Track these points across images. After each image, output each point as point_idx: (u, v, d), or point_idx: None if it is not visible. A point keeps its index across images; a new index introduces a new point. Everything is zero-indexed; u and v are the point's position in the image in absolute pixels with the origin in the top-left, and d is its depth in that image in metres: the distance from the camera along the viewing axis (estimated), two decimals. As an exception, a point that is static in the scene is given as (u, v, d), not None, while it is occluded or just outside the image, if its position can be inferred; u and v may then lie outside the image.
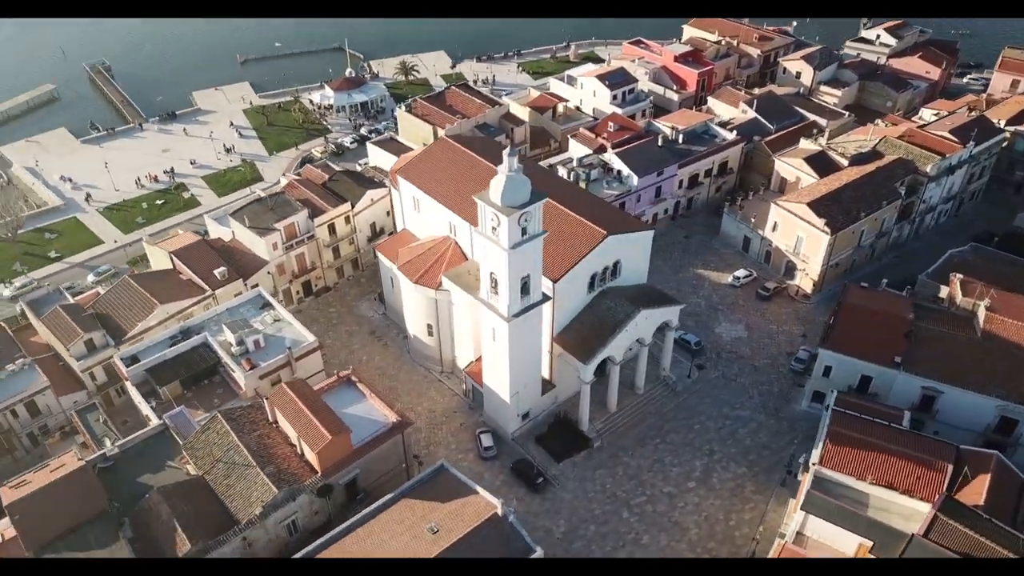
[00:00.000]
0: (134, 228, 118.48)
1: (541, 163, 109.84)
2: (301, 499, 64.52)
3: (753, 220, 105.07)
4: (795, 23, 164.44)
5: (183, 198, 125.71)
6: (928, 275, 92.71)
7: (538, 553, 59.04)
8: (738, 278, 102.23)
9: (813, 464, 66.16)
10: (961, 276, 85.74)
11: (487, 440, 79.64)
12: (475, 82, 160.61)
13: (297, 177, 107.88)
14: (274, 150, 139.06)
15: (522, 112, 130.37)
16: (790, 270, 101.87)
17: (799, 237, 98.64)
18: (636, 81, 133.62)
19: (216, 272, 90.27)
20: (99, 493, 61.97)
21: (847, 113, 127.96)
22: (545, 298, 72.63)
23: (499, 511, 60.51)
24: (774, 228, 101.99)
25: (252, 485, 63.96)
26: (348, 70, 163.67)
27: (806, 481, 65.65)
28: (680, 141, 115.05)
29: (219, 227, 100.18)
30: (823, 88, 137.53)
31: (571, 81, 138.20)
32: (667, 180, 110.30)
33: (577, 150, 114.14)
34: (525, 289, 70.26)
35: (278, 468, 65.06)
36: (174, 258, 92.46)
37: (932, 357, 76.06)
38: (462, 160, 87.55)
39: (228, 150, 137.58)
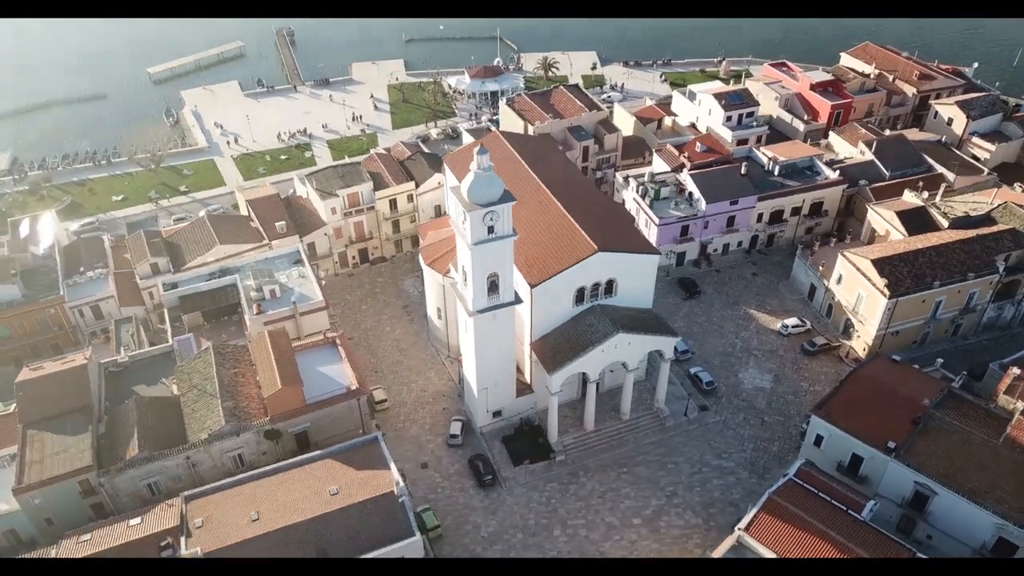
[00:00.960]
0: (253, 176, 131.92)
1: (628, 173, 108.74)
2: (247, 436, 70.45)
3: (821, 268, 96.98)
4: (976, 64, 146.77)
5: (302, 156, 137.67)
6: (1000, 365, 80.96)
7: (416, 539, 60.62)
8: (787, 326, 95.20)
9: (739, 529, 61.62)
10: (1019, 372, 74.28)
11: (455, 428, 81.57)
12: (612, 86, 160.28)
13: (383, 152, 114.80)
14: (399, 125, 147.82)
15: (626, 120, 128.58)
16: (848, 329, 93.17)
17: (860, 295, 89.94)
18: (756, 105, 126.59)
19: (276, 224, 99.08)
20: (86, 390, 71.71)
21: (987, 171, 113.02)
22: (517, 300, 72.99)
23: (395, 490, 62.68)
24: (839, 280, 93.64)
25: (209, 413, 70.87)
26: (497, 59, 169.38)
27: (724, 545, 61.39)
28: (776, 172, 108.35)
29: (301, 187, 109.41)
30: (975, 140, 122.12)
31: (691, 96, 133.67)
32: (743, 211, 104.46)
33: (658, 165, 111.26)
34: (493, 288, 71.16)
35: (236, 404, 71.46)
36: (249, 206, 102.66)
37: (934, 451, 67.19)
38: (503, 156, 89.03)
39: (355, 118, 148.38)
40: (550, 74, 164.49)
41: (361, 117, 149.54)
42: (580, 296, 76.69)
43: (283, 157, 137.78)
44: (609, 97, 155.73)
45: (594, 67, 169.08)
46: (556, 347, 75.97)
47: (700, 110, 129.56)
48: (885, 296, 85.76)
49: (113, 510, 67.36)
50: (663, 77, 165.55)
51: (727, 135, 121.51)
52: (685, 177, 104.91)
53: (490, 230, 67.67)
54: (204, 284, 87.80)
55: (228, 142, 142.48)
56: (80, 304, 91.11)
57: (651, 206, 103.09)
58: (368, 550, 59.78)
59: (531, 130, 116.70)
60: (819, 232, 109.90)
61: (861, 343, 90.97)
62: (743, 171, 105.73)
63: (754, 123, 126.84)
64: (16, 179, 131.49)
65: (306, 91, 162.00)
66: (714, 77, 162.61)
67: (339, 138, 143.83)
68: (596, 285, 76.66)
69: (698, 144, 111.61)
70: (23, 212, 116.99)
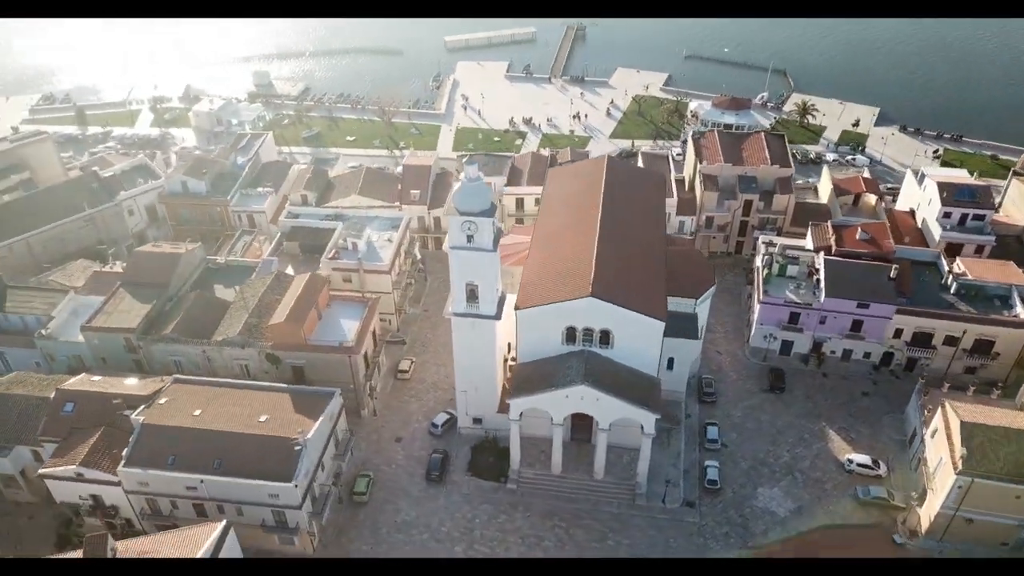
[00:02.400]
0: (460, 149, 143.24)
1: (772, 238, 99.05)
2: (251, 352, 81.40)
3: (927, 412, 79.41)
4: None
5: (512, 143, 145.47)
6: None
7: (290, 486, 65.86)
8: (853, 461, 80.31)
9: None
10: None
11: (439, 419, 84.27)
12: (860, 149, 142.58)
13: (548, 153, 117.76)
14: (618, 135, 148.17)
15: (823, 186, 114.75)
16: (924, 496, 75.72)
17: (940, 459, 72.60)
18: (991, 208, 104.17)
19: (412, 192, 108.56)
20: (169, 273, 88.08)
21: None
22: (495, 316, 73.00)
23: (299, 441, 68.37)
24: (933, 434, 76.23)
25: (234, 323, 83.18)
26: (762, 95, 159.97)
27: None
28: (951, 289, 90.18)
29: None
30: None
31: (921, 180, 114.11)
32: (874, 319, 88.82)
33: (808, 240, 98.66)
34: (473, 296, 72.12)
35: (258, 323, 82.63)
36: (402, 170, 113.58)
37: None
38: (589, 180, 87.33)
39: (576, 117, 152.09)
40: (805, 120, 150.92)
41: (587, 116, 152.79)
42: (571, 336, 73.75)
43: (496, 139, 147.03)
44: (854, 160, 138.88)
45: (856, 123, 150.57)
46: (529, 377, 74.41)
47: (923, 196, 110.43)
48: (955, 469, 68.39)
49: (148, 370, 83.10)
50: (937, 153, 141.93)
51: (935, 232, 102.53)
52: (820, 259, 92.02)
53: (468, 239, 68.76)
54: (314, 222, 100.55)
55: (465, 112, 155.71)
56: (240, 211, 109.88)
57: (766, 279, 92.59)
58: (250, 477, 66.68)
59: (697, 167, 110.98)
60: (983, 376, 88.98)
61: (924, 517, 73.59)
62: (892, 274, 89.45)
63: (984, 229, 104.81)
64: (297, 104, 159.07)
65: (558, 84, 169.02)
66: (1007, 168, 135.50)
67: (554, 133, 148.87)
68: (588, 331, 73.06)
69: (860, 231, 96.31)
70: (281, 131, 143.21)
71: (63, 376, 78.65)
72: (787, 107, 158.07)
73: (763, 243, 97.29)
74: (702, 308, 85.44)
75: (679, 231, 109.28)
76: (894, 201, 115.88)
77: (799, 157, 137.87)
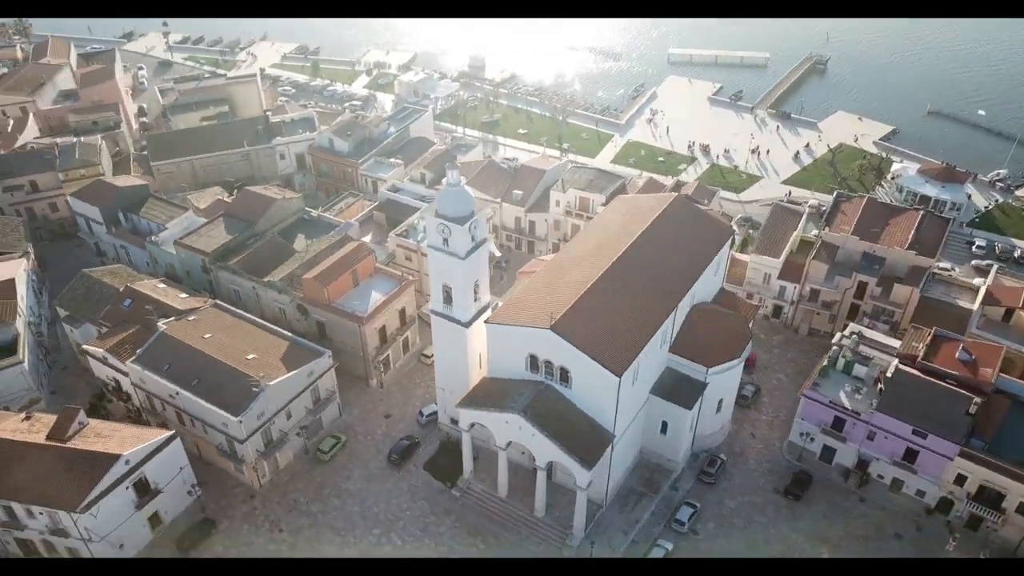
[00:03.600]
0: (620, 163, 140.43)
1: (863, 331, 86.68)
2: (285, 298, 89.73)
3: (935, 581, 64.92)
4: None
5: (675, 167, 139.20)
6: None
7: (236, 420, 72.59)
8: (825, 605, 68.32)
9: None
10: None
11: (427, 409, 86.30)
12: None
13: (661, 182, 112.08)
14: (790, 182, 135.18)
15: (979, 289, 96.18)
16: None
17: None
18: None
19: (516, 191, 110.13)
20: (259, 213, 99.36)
21: None
22: (463, 323, 73.03)
23: (259, 383, 74.69)
24: (922, 606, 62.42)
25: (286, 269, 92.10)
26: (999, 171, 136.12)
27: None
28: (1056, 446, 72.54)
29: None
30: None
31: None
32: (929, 453, 73.91)
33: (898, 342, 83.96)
34: (448, 298, 72.88)
35: (302, 274, 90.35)
36: (516, 169, 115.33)
37: None
38: (640, 214, 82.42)
39: (755, 152, 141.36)
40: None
41: (768, 153, 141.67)
42: (535, 365, 71.36)
43: (660, 159, 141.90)
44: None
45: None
46: (487, 391, 73.49)
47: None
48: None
49: (216, 292, 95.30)
50: None
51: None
52: (892, 368, 78.15)
53: (444, 242, 69.52)
54: (407, 199, 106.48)
55: (649, 125, 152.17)
56: (367, 175, 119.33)
57: (823, 372, 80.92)
58: (211, 402, 74.42)
59: (814, 232, 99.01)
60: (1065, 567, 70.11)
61: None
62: (972, 408, 73.36)
63: None
64: (493, 90, 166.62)
65: (760, 115, 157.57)
66: None
67: (725, 165, 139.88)
68: (549, 364, 70.21)
69: (961, 349, 79.55)
70: (465, 113, 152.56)
71: (142, 277, 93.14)
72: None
73: (849, 334, 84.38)
74: (721, 378, 77.49)
75: (778, 296, 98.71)
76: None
77: (997, 251, 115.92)
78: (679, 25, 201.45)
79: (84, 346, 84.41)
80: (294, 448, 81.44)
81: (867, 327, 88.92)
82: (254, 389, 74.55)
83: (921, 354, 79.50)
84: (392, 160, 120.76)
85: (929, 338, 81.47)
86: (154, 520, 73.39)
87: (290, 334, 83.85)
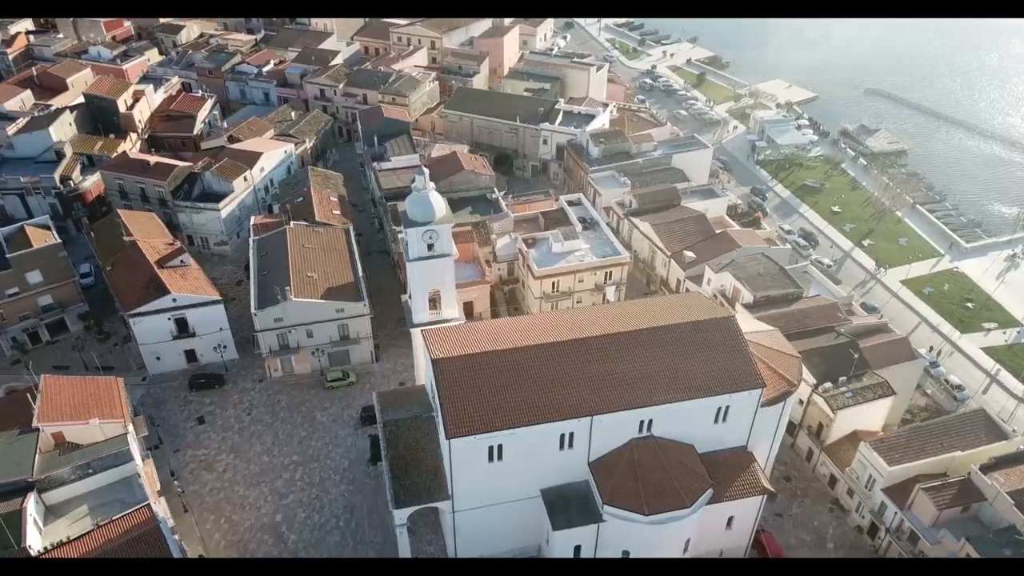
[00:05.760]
0: (915, 289, 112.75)
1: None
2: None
3: None
4: None
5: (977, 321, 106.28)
6: None
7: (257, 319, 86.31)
8: None
9: None
10: None
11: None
12: None
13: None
14: None
15: None
16: None
17: None
18: None
19: (688, 252, 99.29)
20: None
21: None
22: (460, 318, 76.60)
23: (284, 296, 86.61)
24: None
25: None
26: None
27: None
28: None
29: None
30: None
31: None
32: None
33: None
34: (435, 304, 75.57)
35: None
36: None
37: None
38: (671, 322, 70.06)
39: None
40: None
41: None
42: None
43: (968, 303, 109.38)
44: None
45: None
46: (392, 399, 73.84)
47: None
48: None
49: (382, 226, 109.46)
50: None
51: None
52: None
53: (430, 247, 70.88)
54: (576, 212, 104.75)
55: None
56: (593, 185, 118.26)
57: None
58: (257, 287, 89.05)
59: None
60: None
61: None
62: None
63: None
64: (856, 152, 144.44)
65: None
66: None
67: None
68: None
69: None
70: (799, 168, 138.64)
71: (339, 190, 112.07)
72: None
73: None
74: (627, 526, 64.40)
75: (877, 513, 73.36)
76: None
77: None
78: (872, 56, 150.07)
79: (253, 219, 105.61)
80: (312, 365, 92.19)
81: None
82: (279, 297, 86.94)
83: None
84: (623, 179, 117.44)
85: None
86: (190, 355, 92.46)
87: (362, 279, 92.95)
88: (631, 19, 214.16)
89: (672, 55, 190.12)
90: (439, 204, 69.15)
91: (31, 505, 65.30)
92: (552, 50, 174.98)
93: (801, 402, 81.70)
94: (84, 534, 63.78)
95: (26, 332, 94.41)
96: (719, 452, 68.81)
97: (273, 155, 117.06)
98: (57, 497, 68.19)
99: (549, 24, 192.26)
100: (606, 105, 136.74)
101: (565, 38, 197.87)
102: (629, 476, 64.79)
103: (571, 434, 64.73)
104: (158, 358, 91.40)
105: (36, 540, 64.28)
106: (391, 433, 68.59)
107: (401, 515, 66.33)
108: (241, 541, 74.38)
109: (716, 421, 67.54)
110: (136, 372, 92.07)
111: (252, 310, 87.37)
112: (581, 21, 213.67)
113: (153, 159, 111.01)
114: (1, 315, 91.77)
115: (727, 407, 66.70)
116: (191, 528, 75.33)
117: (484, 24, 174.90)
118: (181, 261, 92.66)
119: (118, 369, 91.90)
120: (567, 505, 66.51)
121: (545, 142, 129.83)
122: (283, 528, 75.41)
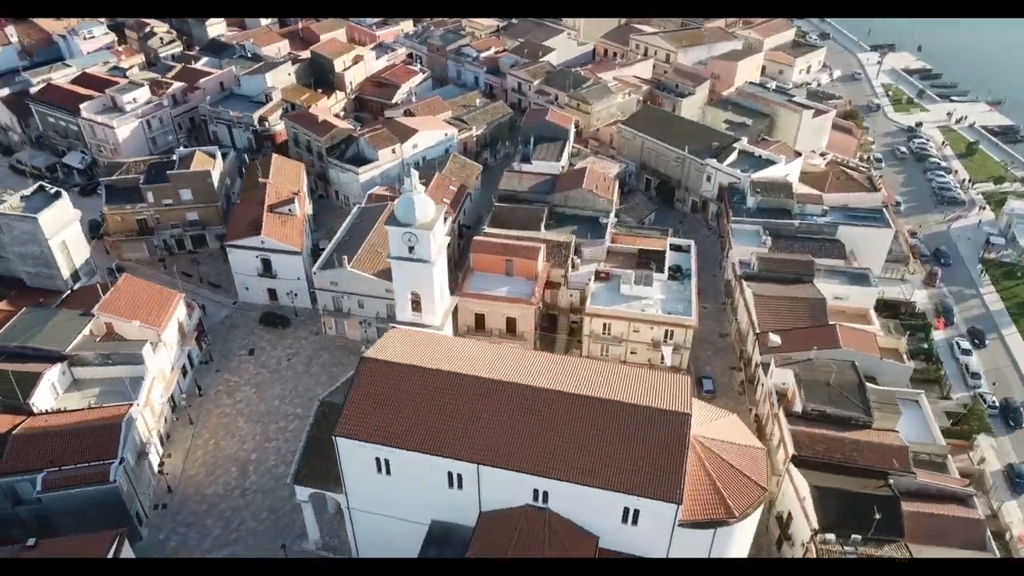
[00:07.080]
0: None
1: None
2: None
3: None
4: None
5: None
6: None
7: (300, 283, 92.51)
8: None
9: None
10: None
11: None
12: None
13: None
14: None
15: None
16: None
17: None
18: None
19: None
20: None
21: None
22: (439, 326, 77.02)
23: (342, 264, 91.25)
24: None
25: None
26: None
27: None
28: None
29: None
30: None
31: None
32: None
33: None
34: (417, 306, 76.09)
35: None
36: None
37: None
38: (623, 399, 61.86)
39: None
40: None
41: None
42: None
43: None
44: None
45: None
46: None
47: None
48: None
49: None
50: None
51: None
52: None
53: (410, 250, 70.85)
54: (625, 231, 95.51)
55: None
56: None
57: None
58: (335, 244, 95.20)
59: None
60: None
61: None
62: None
63: None
64: None
65: None
66: None
67: None
68: (364, 392, 67.35)
69: None
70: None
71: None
72: None
73: None
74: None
75: None
76: None
77: None
78: None
79: (376, 189, 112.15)
80: (361, 334, 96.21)
81: None
82: (336, 264, 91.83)
83: None
84: (765, 237, 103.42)
85: None
86: (271, 293, 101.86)
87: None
88: (927, 65, 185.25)
89: (960, 119, 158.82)
90: (425, 209, 68.15)
91: (54, 373, 78.12)
92: (795, 84, 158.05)
93: (803, 544, 67.14)
94: (61, 411, 75.23)
95: (174, 238, 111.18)
96: (632, 556, 59.73)
97: (431, 134, 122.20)
98: (83, 374, 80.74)
99: (819, 54, 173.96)
100: (799, 154, 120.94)
101: (832, 74, 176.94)
102: (505, 543, 59.22)
103: (459, 475, 60.78)
104: (247, 288, 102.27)
105: (47, 402, 76.89)
106: (322, 414, 69.95)
107: (302, 492, 67.67)
108: (212, 462, 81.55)
109: (625, 522, 58.53)
110: (233, 295, 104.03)
111: (313, 268, 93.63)
112: (862, 57, 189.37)
113: (322, 116, 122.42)
114: (157, 219, 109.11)
115: (636, 511, 57.43)
116: (185, 439, 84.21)
117: (730, 44, 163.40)
118: (289, 210, 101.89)
119: (223, 289, 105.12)
120: (445, 544, 63.03)
121: (708, 179, 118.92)
122: (250, 467, 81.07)
